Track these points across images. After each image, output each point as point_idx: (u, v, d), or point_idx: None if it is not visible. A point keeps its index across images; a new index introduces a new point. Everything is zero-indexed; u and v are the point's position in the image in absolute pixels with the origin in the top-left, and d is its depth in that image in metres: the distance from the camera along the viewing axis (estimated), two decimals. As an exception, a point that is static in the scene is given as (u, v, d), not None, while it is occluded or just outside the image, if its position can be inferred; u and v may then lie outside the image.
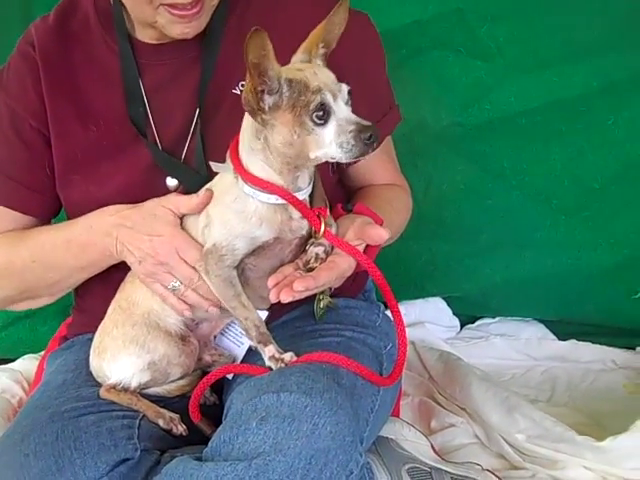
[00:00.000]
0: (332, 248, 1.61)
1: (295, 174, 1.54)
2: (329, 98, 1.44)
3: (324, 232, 1.58)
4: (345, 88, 1.48)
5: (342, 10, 1.52)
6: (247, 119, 1.54)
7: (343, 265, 1.58)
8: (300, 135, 1.45)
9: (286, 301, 1.52)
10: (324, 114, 1.44)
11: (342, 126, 1.44)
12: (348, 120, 1.45)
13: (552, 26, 2.49)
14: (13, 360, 2.77)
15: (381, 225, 1.66)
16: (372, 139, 1.44)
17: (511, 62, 2.51)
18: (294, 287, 1.50)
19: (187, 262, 1.66)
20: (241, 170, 1.55)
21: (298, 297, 1.53)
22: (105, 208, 1.78)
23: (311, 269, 1.58)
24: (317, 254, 1.60)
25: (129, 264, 1.75)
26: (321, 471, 1.37)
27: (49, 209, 1.96)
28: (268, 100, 1.44)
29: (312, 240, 1.61)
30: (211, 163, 1.65)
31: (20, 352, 2.81)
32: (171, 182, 1.81)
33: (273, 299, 1.54)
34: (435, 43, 2.52)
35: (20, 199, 1.92)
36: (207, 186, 1.67)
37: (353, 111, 1.48)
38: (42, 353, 2.56)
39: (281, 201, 1.55)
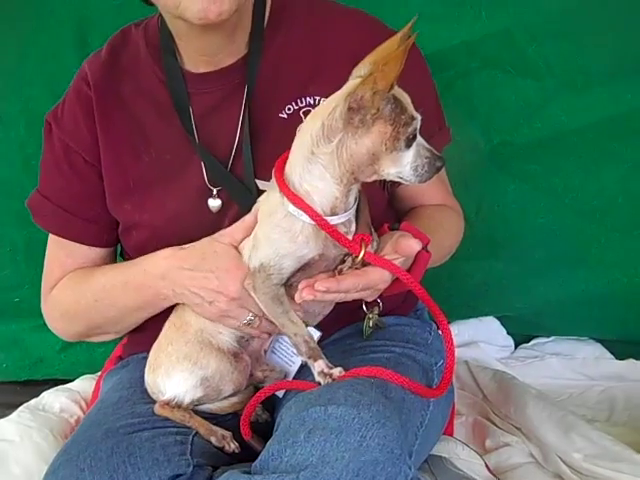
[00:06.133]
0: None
1: (351, 185, 1.54)
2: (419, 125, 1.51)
3: (364, 254, 1.56)
4: (419, 117, 1.52)
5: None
6: (313, 123, 1.52)
7: (373, 275, 1.58)
8: (387, 149, 1.48)
9: (307, 299, 1.55)
10: (413, 139, 1.50)
11: (419, 151, 1.52)
12: (424, 146, 1.53)
13: (601, 43, 2.45)
14: (71, 381, 2.81)
15: (427, 244, 1.66)
16: (439, 168, 1.53)
17: (561, 80, 2.49)
18: (315, 286, 1.53)
19: None
20: (285, 189, 1.55)
21: (320, 298, 1.56)
22: (160, 251, 1.79)
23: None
24: (353, 261, 1.60)
25: (193, 306, 1.75)
26: None
27: (109, 237, 2.01)
28: (381, 105, 1.46)
29: None
30: (257, 181, 1.66)
31: (78, 373, 2.85)
32: (213, 203, 1.84)
33: (297, 299, 1.56)
34: (484, 63, 2.51)
35: (78, 230, 1.97)
36: (256, 205, 1.69)
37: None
38: (99, 373, 2.61)
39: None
